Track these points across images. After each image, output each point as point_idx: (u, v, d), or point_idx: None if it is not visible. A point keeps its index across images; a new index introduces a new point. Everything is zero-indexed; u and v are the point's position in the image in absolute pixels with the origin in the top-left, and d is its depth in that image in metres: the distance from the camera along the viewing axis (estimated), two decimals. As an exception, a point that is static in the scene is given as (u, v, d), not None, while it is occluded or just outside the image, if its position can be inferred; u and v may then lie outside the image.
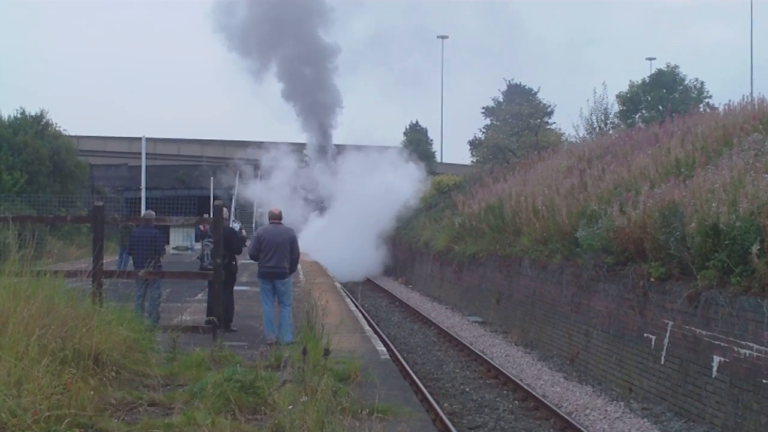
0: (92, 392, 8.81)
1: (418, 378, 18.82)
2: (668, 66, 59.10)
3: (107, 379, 9.70)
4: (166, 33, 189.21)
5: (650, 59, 70.98)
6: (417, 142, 71.21)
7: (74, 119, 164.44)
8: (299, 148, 69.74)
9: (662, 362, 15.97)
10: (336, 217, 54.67)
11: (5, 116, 50.68)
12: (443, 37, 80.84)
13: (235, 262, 17.70)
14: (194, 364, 11.95)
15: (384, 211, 51.46)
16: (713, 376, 14.12)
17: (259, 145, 69.04)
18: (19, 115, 51.29)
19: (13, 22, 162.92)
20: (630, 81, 60.48)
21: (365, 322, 21.57)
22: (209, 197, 58.37)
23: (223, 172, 66.35)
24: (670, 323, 15.74)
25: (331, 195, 58.94)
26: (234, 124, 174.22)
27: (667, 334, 15.84)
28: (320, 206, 62.45)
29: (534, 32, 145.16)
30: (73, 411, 7.90)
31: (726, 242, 14.31)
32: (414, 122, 77.93)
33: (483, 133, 79.27)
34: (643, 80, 58.86)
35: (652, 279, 16.52)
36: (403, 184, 53.67)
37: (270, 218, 16.74)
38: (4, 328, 8.75)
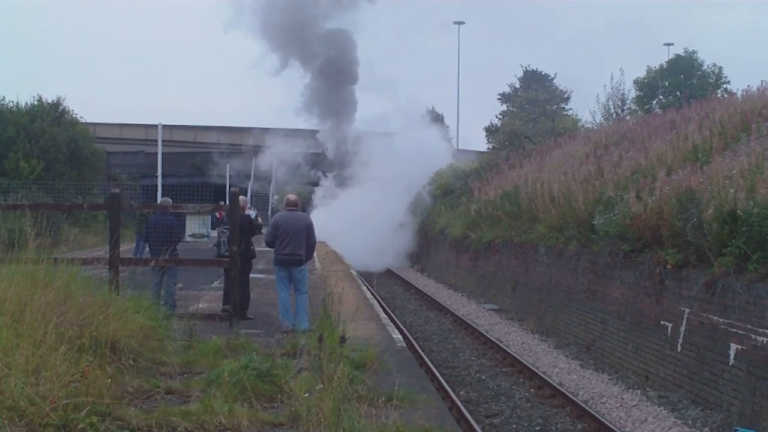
0: (109, 380, 8.86)
1: (434, 366, 18.82)
2: (686, 51, 58.85)
3: (124, 366, 9.75)
4: (183, 20, 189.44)
5: (668, 45, 70.64)
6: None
7: (91, 107, 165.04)
8: (315, 134, 69.82)
9: (679, 350, 15.93)
10: (355, 198, 52.99)
11: (22, 103, 50.85)
12: (459, 23, 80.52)
13: (253, 247, 17.71)
14: (211, 352, 11.98)
15: (417, 175, 49.99)
16: (730, 364, 14.07)
17: (275, 132, 69.06)
18: (36, 103, 51.40)
19: (30, 10, 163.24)
20: (648, 66, 60.35)
21: (381, 309, 21.57)
22: (225, 185, 58.45)
23: (239, 159, 66.45)
24: (687, 311, 15.69)
25: (351, 174, 58.36)
26: (250, 112, 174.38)
27: (684, 322, 15.79)
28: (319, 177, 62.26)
29: (552, 18, 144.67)
30: (90, 399, 7.93)
31: (743, 229, 14.24)
32: (430, 108, 77.76)
33: (499, 119, 79.19)
34: (661, 66, 58.68)
35: (668, 266, 16.47)
36: (437, 143, 52.69)
37: (286, 205, 16.72)
38: (21, 316, 8.78)
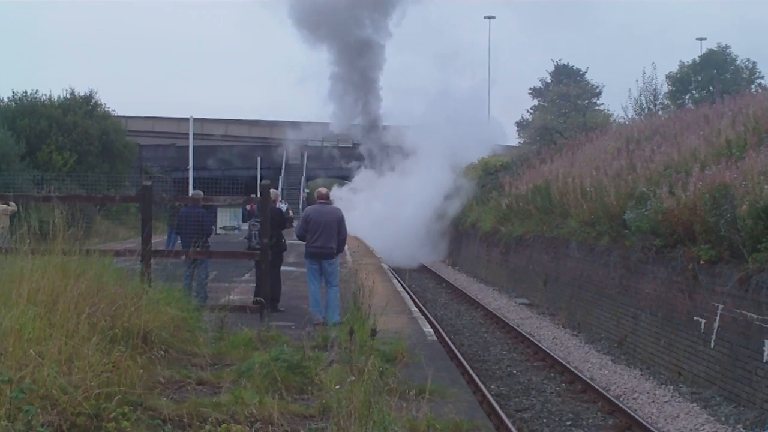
0: (141, 370, 8.88)
1: (464, 359, 18.78)
2: (719, 46, 58.45)
3: (156, 357, 9.77)
4: (216, 14, 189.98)
5: (701, 39, 70.08)
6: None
7: (123, 100, 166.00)
8: (344, 127, 69.98)
9: (712, 346, 15.80)
10: (388, 192, 52.70)
11: (55, 97, 51.28)
12: (490, 18, 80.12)
13: (284, 240, 17.72)
14: (241, 344, 11.98)
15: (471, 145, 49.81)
16: (764, 361, 13.93)
17: (305, 125, 69.16)
18: (68, 96, 51.84)
19: (63, 5, 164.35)
20: (680, 61, 59.99)
21: (412, 303, 21.53)
22: (256, 177, 58.65)
23: (270, 153, 66.57)
24: (720, 306, 15.56)
25: (383, 167, 58.30)
26: (281, 105, 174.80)
27: (717, 318, 15.66)
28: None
29: (584, 12, 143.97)
30: (122, 389, 7.95)
31: (778, 224, 14.12)
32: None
33: (530, 114, 78.91)
34: (694, 60, 58.30)
35: (701, 262, 16.33)
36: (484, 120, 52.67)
37: (317, 198, 16.73)
38: (54, 307, 8.81)
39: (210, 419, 7.93)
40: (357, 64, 68.80)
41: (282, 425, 8.21)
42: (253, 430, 8.02)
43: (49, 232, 10.95)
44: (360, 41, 68.87)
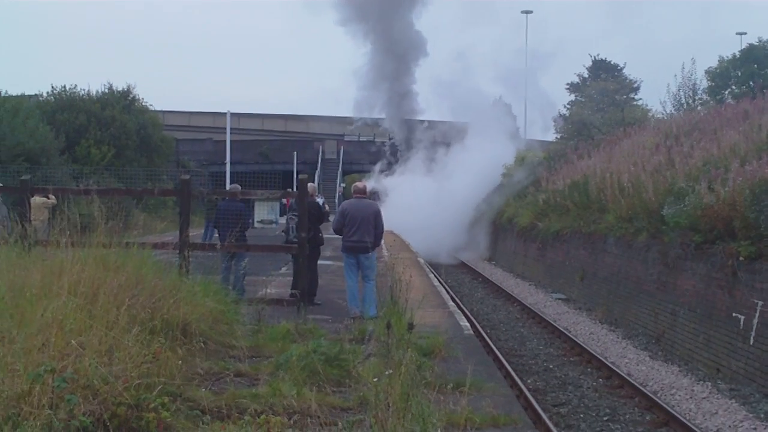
0: (180, 362, 8.95)
1: (501, 354, 18.76)
2: (759, 40, 57.80)
3: (195, 349, 9.84)
4: (253, 8, 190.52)
5: (741, 34, 69.35)
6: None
7: (160, 95, 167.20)
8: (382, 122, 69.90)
9: (751, 343, 15.67)
10: (425, 188, 52.02)
11: (93, 91, 51.66)
12: (527, 12, 79.65)
13: (321, 234, 17.74)
14: (279, 337, 12.04)
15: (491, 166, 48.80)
16: (804, 357, 13.83)
17: (342, 119, 69.22)
18: (106, 91, 52.21)
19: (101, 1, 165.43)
20: (719, 56, 59.43)
21: (449, 297, 21.52)
22: (293, 172, 58.77)
23: (307, 147, 66.65)
24: (760, 303, 15.43)
25: (418, 164, 57.97)
26: (318, 100, 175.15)
27: (757, 314, 15.53)
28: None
29: (624, 7, 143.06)
30: (162, 379, 8.01)
31: (820, 220, 13.99)
32: (497, 97, 77.11)
33: (567, 109, 78.48)
34: (733, 55, 57.74)
35: (741, 258, 16.21)
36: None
37: (354, 192, 16.74)
38: (95, 298, 8.88)
39: (249, 410, 7.98)
40: (394, 50, 68.23)
41: (320, 417, 8.24)
42: (292, 421, 8.06)
43: (89, 225, 11.04)
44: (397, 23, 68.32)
